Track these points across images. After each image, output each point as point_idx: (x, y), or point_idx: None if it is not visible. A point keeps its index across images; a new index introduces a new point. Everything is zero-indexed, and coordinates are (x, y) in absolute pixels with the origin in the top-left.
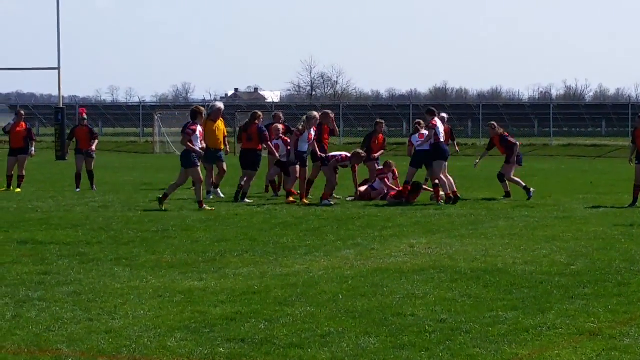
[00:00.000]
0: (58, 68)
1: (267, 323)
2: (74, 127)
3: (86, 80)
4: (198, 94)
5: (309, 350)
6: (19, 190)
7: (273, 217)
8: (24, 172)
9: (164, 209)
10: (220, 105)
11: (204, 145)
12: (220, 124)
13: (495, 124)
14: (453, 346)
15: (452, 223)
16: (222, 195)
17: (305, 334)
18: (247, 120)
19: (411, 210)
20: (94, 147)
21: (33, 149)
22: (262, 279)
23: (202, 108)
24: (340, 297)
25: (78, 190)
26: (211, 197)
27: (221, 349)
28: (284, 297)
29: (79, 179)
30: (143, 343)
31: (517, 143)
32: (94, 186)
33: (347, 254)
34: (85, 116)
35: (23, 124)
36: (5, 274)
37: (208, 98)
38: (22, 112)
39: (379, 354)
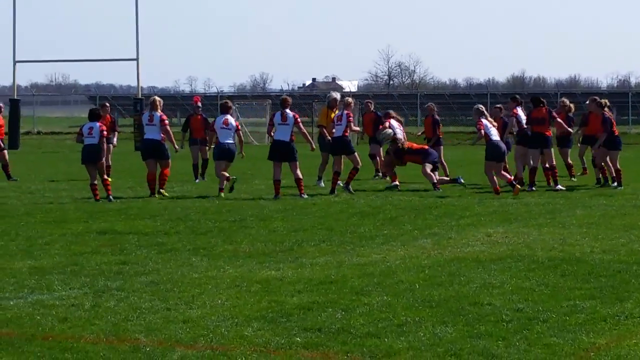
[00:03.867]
0: (137, 59)
1: (343, 312)
2: (188, 116)
3: (165, 71)
4: (276, 84)
5: (386, 339)
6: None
7: (350, 207)
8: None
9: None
10: (337, 94)
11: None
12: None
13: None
14: (530, 335)
15: (529, 212)
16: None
17: (382, 323)
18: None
19: (488, 199)
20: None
21: (115, 139)
22: (339, 268)
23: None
24: (417, 286)
25: (197, 181)
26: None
27: (298, 339)
28: (361, 287)
29: (196, 170)
30: (220, 332)
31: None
32: (205, 176)
33: (424, 243)
34: (200, 104)
35: (108, 116)
36: (84, 263)
37: (285, 88)
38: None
39: (455, 343)
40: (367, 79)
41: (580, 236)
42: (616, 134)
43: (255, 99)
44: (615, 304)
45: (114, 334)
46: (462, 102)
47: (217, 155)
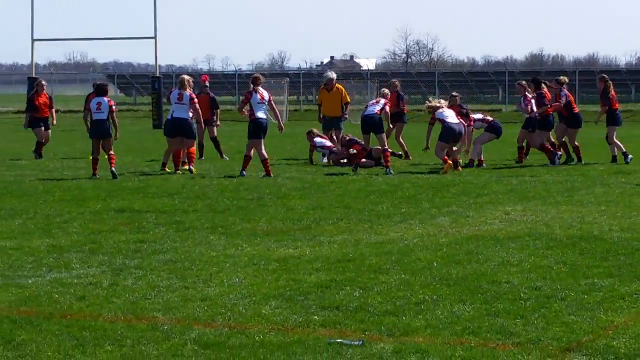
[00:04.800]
0: (154, 37)
1: (361, 291)
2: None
3: (183, 49)
4: (294, 62)
5: (404, 317)
6: None
7: (368, 185)
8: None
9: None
10: (333, 74)
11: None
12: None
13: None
14: (548, 313)
15: (547, 190)
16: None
17: (399, 301)
18: None
19: (506, 177)
20: (218, 122)
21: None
22: (356, 246)
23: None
24: (435, 264)
25: (201, 158)
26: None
27: (315, 317)
28: (379, 265)
29: (201, 148)
30: (238, 311)
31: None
32: (223, 155)
33: (441, 221)
34: (207, 84)
35: (44, 94)
36: (102, 242)
37: (304, 66)
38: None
39: (473, 321)
40: (385, 57)
41: (599, 214)
42: (575, 111)
43: (273, 77)
44: (633, 282)
45: (132, 312)
46: (480, 79)
47: (169, 131)
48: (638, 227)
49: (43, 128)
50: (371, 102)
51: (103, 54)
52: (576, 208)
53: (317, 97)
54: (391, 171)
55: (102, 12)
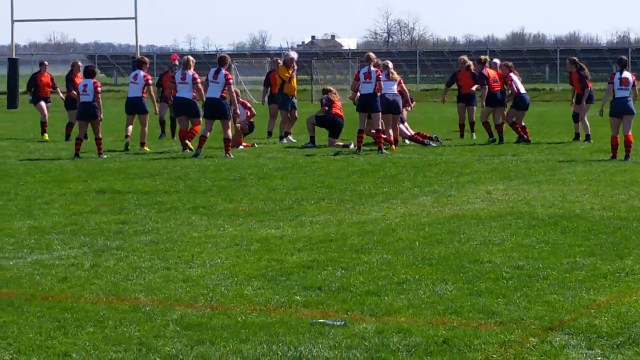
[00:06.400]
0: (135, 17)
1: (343, 271)
2: (162, 74)
3: (163, 29)
4: (275, 42)
5: (386, 297)
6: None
7: (350, 165)
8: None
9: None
10: (295, 54)
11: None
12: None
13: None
14: (530, 293)
15: (529, 169)
16: (293, 140)
17: (381, 281)
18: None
19: (488, 157)
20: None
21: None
22: (338, 226)
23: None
24: (417, 244)
25: (162, 136)
26: (285, 141)
27: (298, 297)
28: (361, 245)
29: (163, 125)
30: (220, 291)
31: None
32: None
33: (423, 200)
34: (176, 63)
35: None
36: (83, 223)
37: (285, 46)
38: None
39: (455, 301)
40: (366, 37)
41: (581, 193)
42: (494, 89)
43: (254, 57)
44: (615, 260)
45: (114, 293)
46: None
47: (174, 111)
48: (620, 206)
49: (44, 104)
50: (363, 77)
51: (83, 34)
52: (558, 187)
53: (273, 74)
54: (384, 151)
55: None
